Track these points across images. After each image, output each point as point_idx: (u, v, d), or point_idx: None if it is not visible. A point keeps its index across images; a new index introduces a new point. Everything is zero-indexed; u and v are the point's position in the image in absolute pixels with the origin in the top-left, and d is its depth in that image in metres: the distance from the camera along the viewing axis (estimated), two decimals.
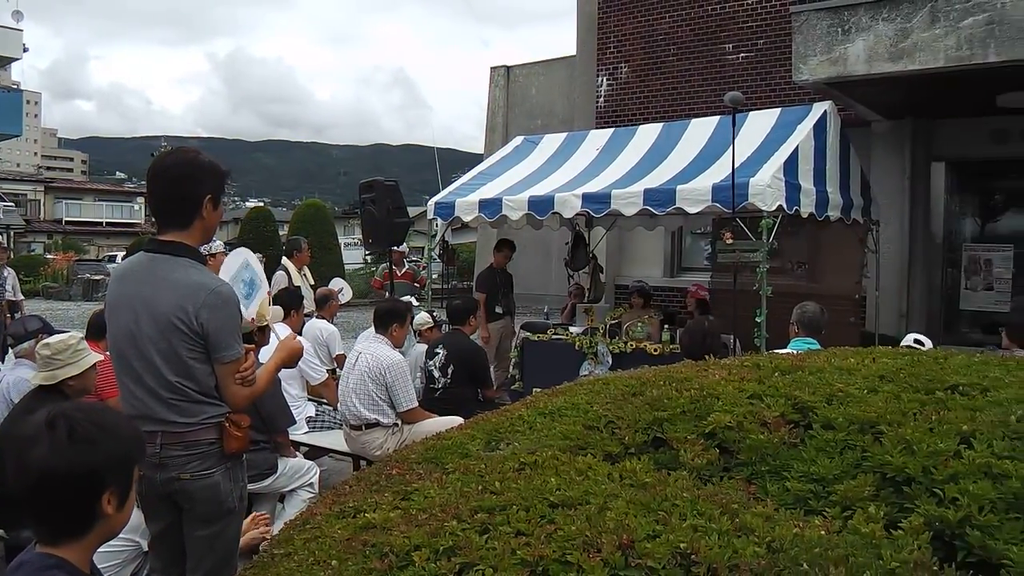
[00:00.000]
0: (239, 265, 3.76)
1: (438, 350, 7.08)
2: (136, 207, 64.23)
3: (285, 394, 5.94)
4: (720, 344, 5.78)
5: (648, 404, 2.58)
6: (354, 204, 24.59)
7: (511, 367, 9.67)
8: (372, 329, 6.55)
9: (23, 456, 1.84)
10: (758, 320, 7.01)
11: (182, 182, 3.07)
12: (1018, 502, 1.87)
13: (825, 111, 8.31)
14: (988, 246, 11.26)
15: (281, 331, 6.66)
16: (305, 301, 8.17)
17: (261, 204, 44.37)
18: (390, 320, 6.25)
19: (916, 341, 6.19)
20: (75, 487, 1.85)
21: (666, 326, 8.80)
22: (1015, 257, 10.87)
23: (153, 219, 3.28)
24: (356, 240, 39.37)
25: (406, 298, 8.28)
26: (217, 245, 8.16)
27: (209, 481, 3.08)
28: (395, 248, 10.27)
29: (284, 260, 9.50)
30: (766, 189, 7.01)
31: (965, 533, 1.81)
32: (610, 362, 8.41)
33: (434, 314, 8.38)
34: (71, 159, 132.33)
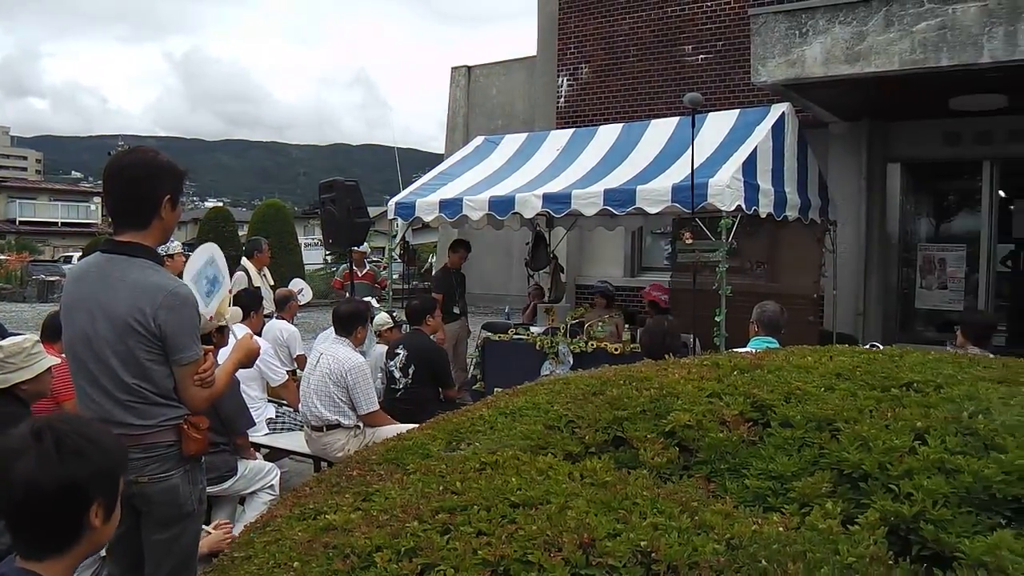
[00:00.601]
0: (204, 261, 3.72)
1: (399, 350, 7.06)
2: (92, 207, 63.35)
3: (245, 395, 5.89)
4: (680, 343, 5.83)
5: (608, 403, 2.59)
6: (314, 204, 24.42)
7: (472, 367, 9.67)
8: (332, 330, 6.52)
9: (6, 469, 1.79)
10: (717, 319, 7.07)
11: (140, 182, 3.03)
12: (970, 496, 1.91)
13: (783, 112, 8.40)
14: (942, 246, 11.45)
15: (240, 332, 6.61)
16: (265, 302, 8.11)
17: (220, 204, 43.96)
18: (354, 324, 6.22)
19: (872, 345, 6.28)
20: (63, 501, 1.81)
21: (627, 326, 8.85)
22: (968, 256, 11.05)
23: (110, 219, 3.24)
24: (316, 240, 39.14)
25: (366, 299, 8.25)
26: (175, 246, 8.07)
27: (168, 484, 3.05)
28: (356, 248, 10.22)
29: (244, 260, 9.41)
30: (725, 189, 7.08)
31: (919, 527, 1.84)
32: (571, 362, 8.44)
33: (394, 315, 8.36)
34: (25, 158, 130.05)
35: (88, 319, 3.02)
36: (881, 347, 6.20)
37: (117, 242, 3.08)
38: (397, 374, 6.97)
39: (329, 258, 25.01)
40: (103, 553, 3.88)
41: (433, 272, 15.59)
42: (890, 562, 1.71)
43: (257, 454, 6.01)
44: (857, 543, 1.75)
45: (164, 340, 2.98)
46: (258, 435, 6.50)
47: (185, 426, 3.07)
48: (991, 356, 3.25)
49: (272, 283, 9.59)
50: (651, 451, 2.28)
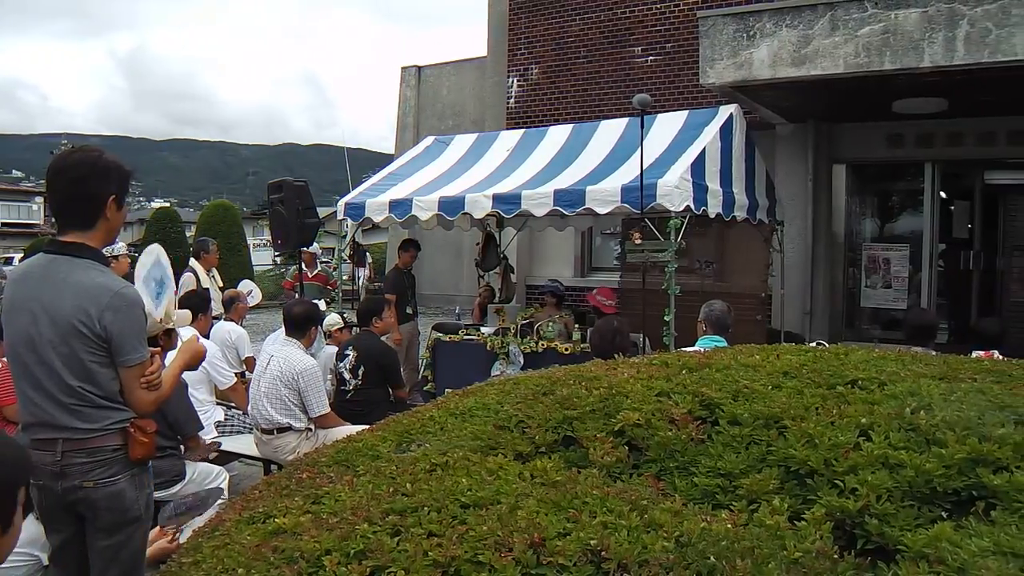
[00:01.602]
0: (151, 262, 3.67)
1: (348, 352, 7.01)
2: (35, 207, 62.10)
3: (192, 398, 5.81)
4: (629, 343, 5.85)
5: (558, 403, 2.60)
6: (263, 204, 24.18)
7: (423, 368, 9.64)
8: (282, 332, 6.45)
9: None
10: (667, 319, 7.12)
11: (85, 182, 2.97)
12: (912, 490, 1.95)
13: (731, 114, 8.49)
14: (886, 245, 11.65)
15: (187, 334, 6.52)
16: (213, 303, 8.01)
17: (167, 204, 43.32)
18: (308, 325, 6.18)
19: (819, 343, 6.38)
20: None
21: (577, 325, 8.88)
22: (911, 256, 11.27)
23: (54, 220, 3.18)
24: (265, 241, 38.75)
25: (312, 301, 8.18)
26: (120, 247, 7.94)
27: (113, 489, 3.00)
28: (305, 249, 10.14)
29: (192, 262, 9.29)
30: (674, 190, 7.13)
31: (864, 521, 1.87)
32: (522, 362, 8.44)
33: (345, 316, 8.30)
34: None
35: (31, 321, 2.96)
36: (827, 345, 6.32)
37: (61, 243, 3.02)
38: (347, 375, 6.92)
39: (279, 259, 24.77)
40: (46, 562, 3.81)
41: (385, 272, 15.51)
42: (835, 556, 1.74)
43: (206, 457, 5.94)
44: (804, 538, 1.78)
45: (110, 342, 2.93)
46: (207, 439, 6.41)
47: (132, 430, 3.01)
48: (934, 354, 3.31)
49: (221, 284, 9.48)
50: (601, 450, 2.29)
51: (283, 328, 6.37)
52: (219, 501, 5.36)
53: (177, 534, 4.01)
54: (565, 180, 8.05)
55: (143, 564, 3.24)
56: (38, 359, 2.94)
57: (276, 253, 20.63)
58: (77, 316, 2.90)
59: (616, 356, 3.29)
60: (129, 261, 8.23)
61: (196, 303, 7.05)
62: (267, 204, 9.70)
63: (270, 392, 5.91)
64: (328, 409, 6.06)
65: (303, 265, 10.23)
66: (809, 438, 2.17)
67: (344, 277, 10.63)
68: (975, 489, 1.95)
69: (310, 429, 5.99)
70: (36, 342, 2.94)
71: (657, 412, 2.42)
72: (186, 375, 5.65)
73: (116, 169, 3.05)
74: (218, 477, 5.62)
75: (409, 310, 10.06)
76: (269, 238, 11.36)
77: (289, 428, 5.92)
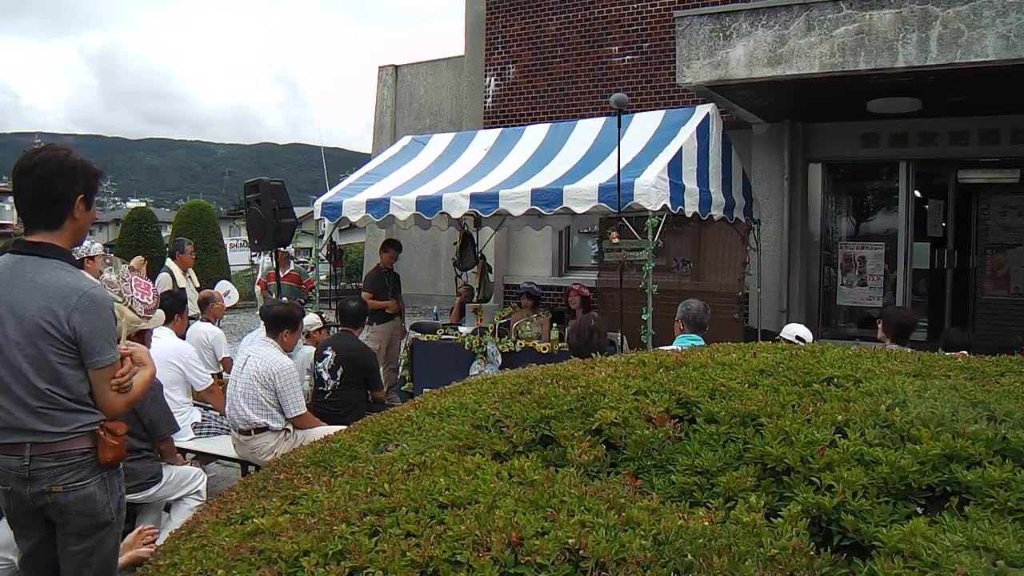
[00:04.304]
0: None
1: (327, 352, 6.99)
2: (8, 207, 61.49)
3: (168, 400, 5.77)
4: (607, 342, 5.86)
5: (535, 402, 2.60)
6: (239, 204, 24.05)
7: (401, 368, 9.62)
8: (260, 331, 6.42)
9: None
10: (644, 318, 7.15)
11: (52, 181, 2.93)
12: (887, 486, 1.96)
13: (708, 113, 8.51)
14: (862, 244, 11.74)
15: (164, 335, 6.49)
16: (189, 304, 7.96)
17: (143, 204, 42.93)
18: (281, 326, 6.14)
19: (798, 337, 6.42)
20: None
21: (554, 324, 8.89)
22: (886, 254, 11.36)
23: (22, 219, 3.13)
24: (242, 241, 38.58)
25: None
26: (96, 247, 7.88)
27: (83, 493, 2.95)
28: (281, 249, 10.10)
29: (168, 262, 9.23)
30: (651, 189, 7.14)
31: (840, 518, 1.89)
32: (500, 361, 8.45)
33: (322, 316, 8.27)
34: None
35: None
36: (805, 334, 6.37)
37: (28, 243, 2.97)
38: (325, 376, 6.90)
39: (255, 259, 24.67)
40: (18, 566, 3.78)
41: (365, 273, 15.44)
42: (811, 553, 1.75)
43: (183, 459, 5.90)
44: (780, 535, 1.79)
45: (79, 343, 2.89)
46: (184, 440, 6.38)
47: (101, 432, 2.97)
48: (909, 351, 3.34)
49: (197, 285, 9.42)
50: (578, 449, 2.30)
51: (261, 328, 6.34)
52: (196, 503, 5.35)
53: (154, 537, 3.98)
54: (542, 179, 8.06)
55: (115, 568, 3.20)
56: (4, 362, 2.89)
57: (252, 253, 20.52)
58: (44, 317, 2.86)
59: (593, 355, 3.30)
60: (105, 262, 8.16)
61: (172, 304, 7.01)
62: (243, 204, 9.64)
63: (247, 392, 5.88)
64: (305, 409, 6.04)
65: (277, 264, 10.18)
66: (785, 435, 2.18)
67: (322, 277, 10.58)
68: (949, 485, 1.97)
69: (288, 429, 5.97)
70: (2, 344, 2.89)
71: (634, 411, 2.43)
72: (162, 376, 5.63)
73: (84, 168, 3.00)
74: (195, 479, 5.59)
75: (388, 310, 10.03)
76: (246, 238, 11.28)
77: (266, 428, 5.89)
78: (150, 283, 5.05)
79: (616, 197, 7.03)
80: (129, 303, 4.54)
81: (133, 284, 3.80)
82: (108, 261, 4.87)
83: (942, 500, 1.95)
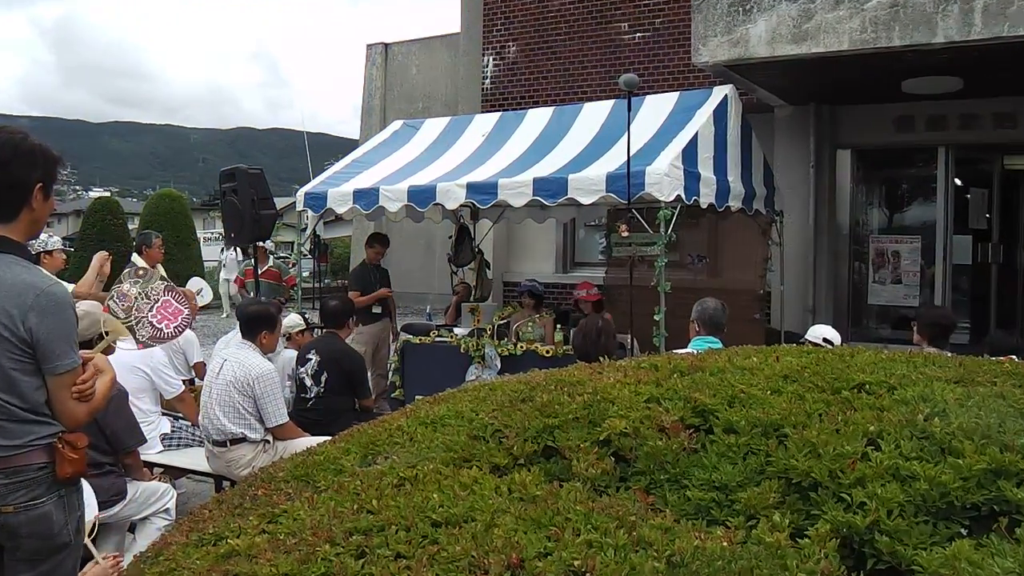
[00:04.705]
0: None
1: (310, 356, 6.99)
2: None
3: (135, 409, 5.75)
4: (616, 344, 5.87)
5: (538, 410, 2.59)
6: (214, 194, 24.04)
7: (391, 373, 9.62)
8: (235, 334, 6.42)
9: None
10: (656, 318, 7.14)
11: (7, 167, 2.89)
12: (926, 505, 1.95)
13: (726, 95, 8.51)
14: (896, 237, 11.71)
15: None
16: None
17: (107, 194, 42.97)
18: (258, 327, 6.13)
19: (825, 340, 6.41)
20: None
21: (559, 326, 8.87)
22: (923, 248, 11.33)
23: None
24: (217, 235, 38.60)
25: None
26: (54, 241, 7.87)
27: (38, 512, 2.91)
28: (260, 243, 10.10)
29: (134, 257, 9.22)
30: (664, 178, 7.14)
31: (874, 539, 1.87)
32: (499, 366, 8.45)
33: (306, 316, 8.27)
34: None
35: None
36: (833, 335, 6.35)
37: None
38: (308, 382, 6.90)
39: (228, 256, 24.73)
40: None
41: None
42: None
43: (151, 474, 5.90)
44: (807, 558, 1.78)
45: (35, 347, 2.85)
46: (151, 453, 6.37)
47: (59, 445, 2.92)
48: (948, 355, 3.33)
49: None
50: (585, 462, 2.29)
51: (238, 329, 6.33)
52: (164, 522, 5.34)
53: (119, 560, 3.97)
54: (546, 168, 8.06)
55: None
56: None
57: (222, 248, 20.52)
58: None
59: (601, 359, 3.29)
60: (64, 256, 8.17)
61: None
62: (219, 194, 9.63)
63: (222, 399, 5.87)
64: (287, 419, 6.03)
65: (256, 260, 10.18)
66: (812, 447, 2.17)
67: (305, 274, 10.58)
68: (996, 503, 1.95)
69: (267, 441, 5.96)
70: None
71: (646, 420, 2.42)
72: (127, 382, 5.62)
73: (42, 153, 2.97)
74: (164, 496, 5.58)
75: (376, 309, 10.02)
76: (222, 231, 11.27)
77: (243, 439, 5.88)
78: (186, 311, 4.97)
79: (626, 187, 7.02)
80: (134, 322, 4.47)
81: (158, 306, 3.74)
82: (140, 273, 4.79)
83: (989, 520, 1.92)
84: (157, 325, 3.57)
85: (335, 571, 1.81)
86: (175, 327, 3.73)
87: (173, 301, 3.71)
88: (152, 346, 3.84)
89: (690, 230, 8.98)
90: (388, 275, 10.47)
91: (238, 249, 9.94)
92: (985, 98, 10.38)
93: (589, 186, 7.51)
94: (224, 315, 19.20)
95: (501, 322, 9.19)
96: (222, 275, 19.49)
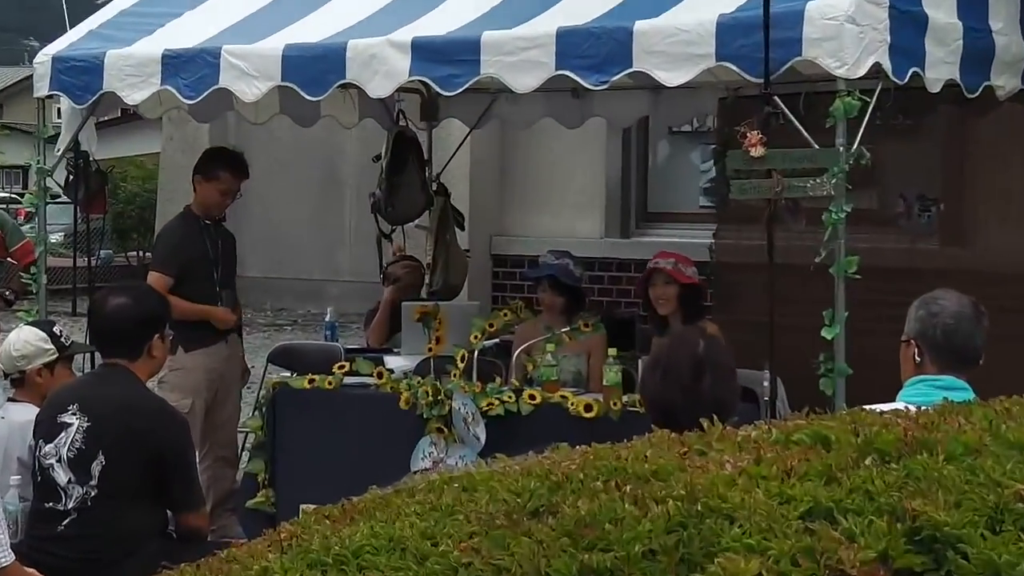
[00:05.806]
0: None
1: (68, 417, 7.00)
2: None
3: None
4: (733, 389, 5.88)
5: (569, 537, 2.60)
6: None
7: (249, 455, 9.67)
8: None
9: None
10: (827, 335, 7.13)
11: None
12: None
13: None
14: None
15: None
16: None
17: None
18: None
19: None
20: None
21: (614, 351, 8.86)
22: None
23: None
24: None
25: None
26: None
27: None
28: None
29: None
30: (844, 27, 7.13)
31: None
32: (482, 438, 8.46)
33: (56, 330, 8.28)
34: None
35: None
36: None
37: None
38: (61, 473, 6.91)
39: None
40: None
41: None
42: None
43: None
44: None
45: None
46: None
47: None
48: None
49: None
50: None
51: None
52: None
53: None
54: (577, 10, 7.99)
55: None
56: None
57: None
58: None
59: (703, 421, 3.31)
60: None
61: None
62: None
63: None
64: (10, 559, 6.05)
65: None
66: None
67: (56, 237, 10.65)
68: None
69: None
70: None
71: (804, 554, 2.43)
72: None
73: None
74: None
75: (218, 321, 10.08)
76: None
77: None
78: None
79: (761, 47, 7.02)
80: None
81: None
82: None
83: None
84: None
85: None
86: None
87: None
88: None
89: (903, 141, 8.96)
90: (234, 244, 10.48)
91: None
92: None
93: (679, 46, 7.50)
94: None
95: (489, 342, 9.23)
96: None
